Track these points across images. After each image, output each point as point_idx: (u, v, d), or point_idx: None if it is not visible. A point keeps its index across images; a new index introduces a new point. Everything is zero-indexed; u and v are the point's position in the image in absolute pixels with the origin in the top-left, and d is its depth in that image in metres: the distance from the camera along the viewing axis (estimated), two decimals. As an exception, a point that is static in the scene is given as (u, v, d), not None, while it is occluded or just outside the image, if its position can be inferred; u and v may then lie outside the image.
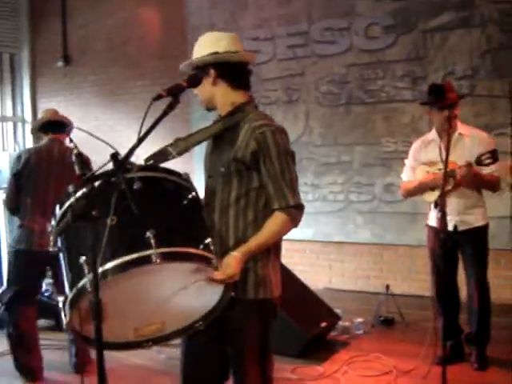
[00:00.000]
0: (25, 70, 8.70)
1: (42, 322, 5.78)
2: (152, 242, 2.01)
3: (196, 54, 2.49)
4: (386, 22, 6.20)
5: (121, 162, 2.07)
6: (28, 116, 8.74)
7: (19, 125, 8.81)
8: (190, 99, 6.51)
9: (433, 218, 4.20)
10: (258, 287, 2.42)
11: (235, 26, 6.97)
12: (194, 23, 7.26)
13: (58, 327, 5.70)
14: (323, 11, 6.55)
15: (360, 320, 5.19)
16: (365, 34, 6.34)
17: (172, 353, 4.49)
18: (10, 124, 8.84)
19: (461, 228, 4.14)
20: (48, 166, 4.24)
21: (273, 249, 2.48)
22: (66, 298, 2.14)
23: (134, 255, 2.00)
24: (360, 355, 4.58)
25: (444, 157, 3.61)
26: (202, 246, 2.15)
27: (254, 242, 2.37)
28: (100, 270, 1.96)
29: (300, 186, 6.99)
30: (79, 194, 2.08)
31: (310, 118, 6.75)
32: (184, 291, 2.22)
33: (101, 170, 2.12)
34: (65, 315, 2.16)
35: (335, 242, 6.65)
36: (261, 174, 2.39)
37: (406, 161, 4.45)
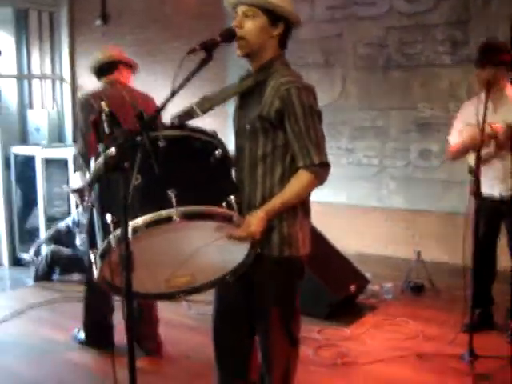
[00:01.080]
0: (63, 29, 8.73)
1: (75, 277, 5.98)
2: (173, 200, 2.05)
3: None
4: (428, -15, 6.05)
5: (146, 120, 2.09)
6: (66, 74, 8.80)
7: (57, 83, 8.88)
8: (227, 63, 6.50)
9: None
10: (282, 245, 2.43)
11: (273, -14, 6.86)
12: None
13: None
14: (363, -28, 6.42)
15: (389, 285, 5.19)
16: (405, -4, 6.20)
17: (202, 309, 4.59)
18: (49, 82, 8.93)
19: (505, 194, 3.96)
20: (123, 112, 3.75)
21: (300, 207, 2.47)
22: (96, 251, 2.21)
23: (155, 214, 2.05)
24: (387, 319, 4.61)
25: (491, 118, 3.50)
26: (224, 204, 2.18)
27: (278, 200, 2.36)
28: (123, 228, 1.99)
29: (334, 149, 6.97)
30: (109, 151, 2.10)
31: (346, 81, 6.67)
32: (210, 247, 2.25)
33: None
34: (96, 267, 2.22)
35: (368, 206, 6.62)
36: (286, 132, 2.37)
37: (454, 122, 4.30)
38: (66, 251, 6.21)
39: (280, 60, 2.46)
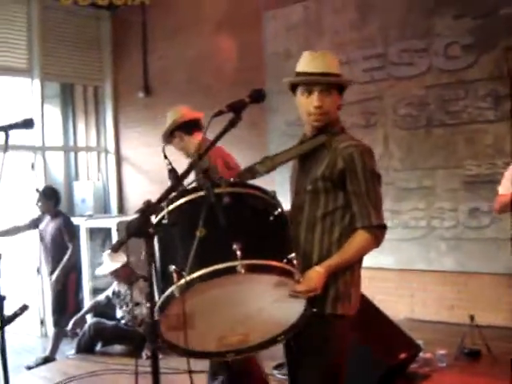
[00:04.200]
0: (108, 102, 8.97)
1: (117, 349, 5.90)
2: (238, 253, 2.08)
3: (330, 68, 2.55)
4: (466, 41, 5.97)
5: (208, 179, 2.22)
6: (111, 146, 8.97)
7: (102, 155, 9.05)
8: (268, 126, 6.50)
9: None
10: (336, 302, 2.46)
11: (311, 50, 6.89)
12: (271, 50, 7.26)
13: (133, 353, 5.78)
14: (400, 32, 6.39)
15: (443, 352, 4.91)
16: (444, 53, 6.12)
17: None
18: (94, 154, 9.10)
19: None
20: None
21: (356, 266, 2.54)
22: (154, 304, 2.15)
23: (221, 265, 2.08)
24: (442, 389, 4.34)
25: None
26: (285, 260, 2.20)
27: (337, 258, 2.42)
28: (187, 278, 2.05)
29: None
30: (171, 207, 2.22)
31: (388, 141, 6.56)
32: (267, 304, 2.27)
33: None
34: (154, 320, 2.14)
35: (417, 269, 6.38)
36: (347, 192, 2.46)
37: (506, 173, 4.17)
38: (109, 323, 6.15)
39: (339, 125, 2.61)
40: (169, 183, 2.37)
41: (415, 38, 6.29)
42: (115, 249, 2.08)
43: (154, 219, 2.25)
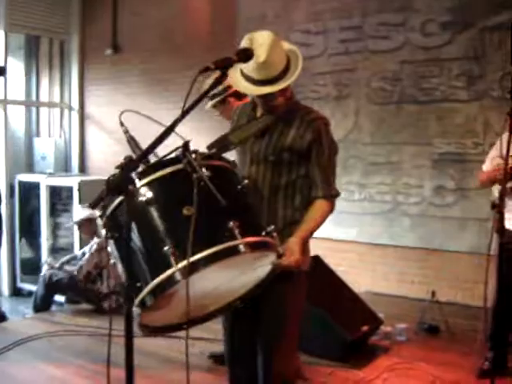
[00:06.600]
0: (74, 57, 8.70)
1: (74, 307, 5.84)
2: (236, 231, 2.02)
3: (277, 70, 2.42)
4: (444, 19, 5.94)
5: (185, 148, 2.08)
6: (75, 103, 8.74)
7: (66, 111, 8.81)
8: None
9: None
10: None
11: (287, 18, 6.81)
12: (245, 14, 7.12)
13: (97, 312, 5.73)
14: (378, 5, 6.31)
15: (403, 326, 4.97)
16: (421, 29, 6.09)
17: (206, 347, 4.40)
18: (57, 110, 8.86)
19: None
20: None
21: None
22: (140, 286, 2.00)
23: (222, 246, 1.99)
24: (401, 362, 4.38)
25: None
26: (264, 233, 2.17)
27: (306, 227, 2.51)
28: (190, 260, 1.93)
29: (346, 184, 6.81)
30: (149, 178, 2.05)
31: (359, 115, 6.54)
32: (238, 273, 2.24)
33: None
34: (139, 301, 2.02)
35: (380, 244, 6.42)
36: (310, 162, 2.56)
37: (490, 150, 4.16)
38: (64, 274, 6.05)
39: (294, 97, 2.64)
40: (132, 154, 2.13)
41: (393, 11, 6.23)
42: (94, 205, 1.96)
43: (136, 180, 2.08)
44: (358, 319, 4.67)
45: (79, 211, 6.30)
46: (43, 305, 6.03)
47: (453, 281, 5.89)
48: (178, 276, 1.94)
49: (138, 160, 2.01)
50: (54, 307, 6.29)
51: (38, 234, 7.78)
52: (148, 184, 2.05)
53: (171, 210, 2.04)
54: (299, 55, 2.52)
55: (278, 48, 2.42)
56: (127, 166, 1.94)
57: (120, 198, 2.04)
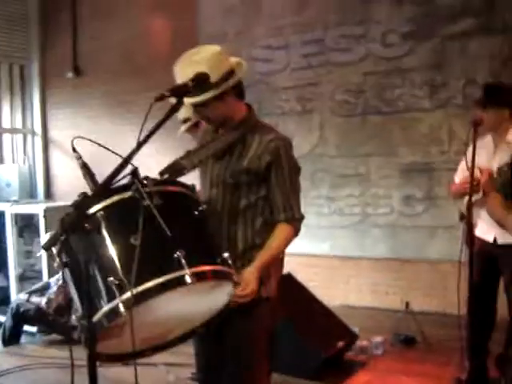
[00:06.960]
0: (35, 82, 8.59)
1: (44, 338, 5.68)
2: (183, 261, 1.96)
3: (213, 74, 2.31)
4: (404, 29, 5.99)
5: (135, 175, 2.00)
6: (37, 128, 8.61)
7: (29, 137, 8.67)
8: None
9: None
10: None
11: (248, 34, 6.80)
12: (206, 33, 7.08)
13: (68, 343, 5.57)
14: (339, 18, 6.34)
15: (379, 339, 4.92)
16: (382, 41, 6.12)
17: (181, 372, 4.31)
18: (20, 136, 8.71)
19: (500, 241, 3.70)
20: None
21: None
22: (89, 316, 1.95)
23: (168, 277, 1.94)
24: (379, 376, 4.35)
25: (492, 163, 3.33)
26: (220, 260, 2.12)
27: (266, 255, 2.43)
28: (134, 291, 1.88)
29: (315, 198, 6.76)
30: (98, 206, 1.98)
31: (324, 128, 6.54)
32: (195, 301, 2.19)
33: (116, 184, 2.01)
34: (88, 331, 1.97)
35: (352, 256, 6.40)
36: (270, 184, 2.47)
37: (461, 161, 4.06)
38: (32, 305, 5.89)
39: (254, 115, 2.56)
40: (86, 182, 2.12)
41: (353, 24, 6.26)
42: (48, 247, 1.95)
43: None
44: (332, 335, 4.62)
45: (47, 239, 6.15)
46: (12, 337, 5.86)
47: (426, 289, 5.89)
48: (122, 308, 1.90)
49: (92, 197, 1.95)
50: (24, 338, 6.13)
51: (6, 263, 7.59)
52: (99, 211, 1.98)
53: (120, 238, 1.98)
54: (242, 70, 2.47)
55: (203, 60, 2.35)
56: (82, 204, 1.90)
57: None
